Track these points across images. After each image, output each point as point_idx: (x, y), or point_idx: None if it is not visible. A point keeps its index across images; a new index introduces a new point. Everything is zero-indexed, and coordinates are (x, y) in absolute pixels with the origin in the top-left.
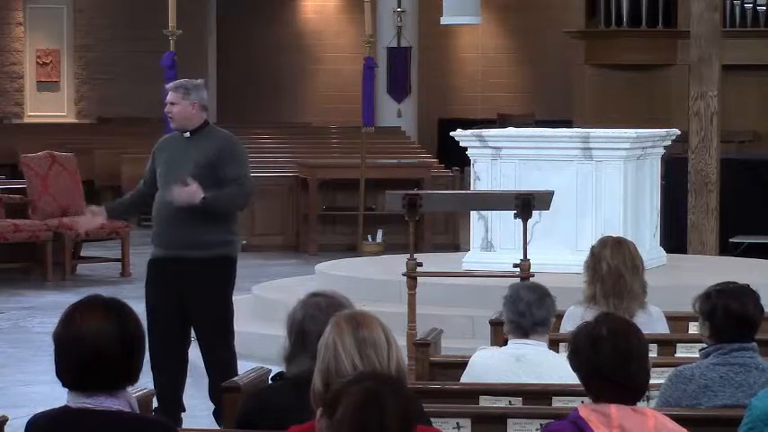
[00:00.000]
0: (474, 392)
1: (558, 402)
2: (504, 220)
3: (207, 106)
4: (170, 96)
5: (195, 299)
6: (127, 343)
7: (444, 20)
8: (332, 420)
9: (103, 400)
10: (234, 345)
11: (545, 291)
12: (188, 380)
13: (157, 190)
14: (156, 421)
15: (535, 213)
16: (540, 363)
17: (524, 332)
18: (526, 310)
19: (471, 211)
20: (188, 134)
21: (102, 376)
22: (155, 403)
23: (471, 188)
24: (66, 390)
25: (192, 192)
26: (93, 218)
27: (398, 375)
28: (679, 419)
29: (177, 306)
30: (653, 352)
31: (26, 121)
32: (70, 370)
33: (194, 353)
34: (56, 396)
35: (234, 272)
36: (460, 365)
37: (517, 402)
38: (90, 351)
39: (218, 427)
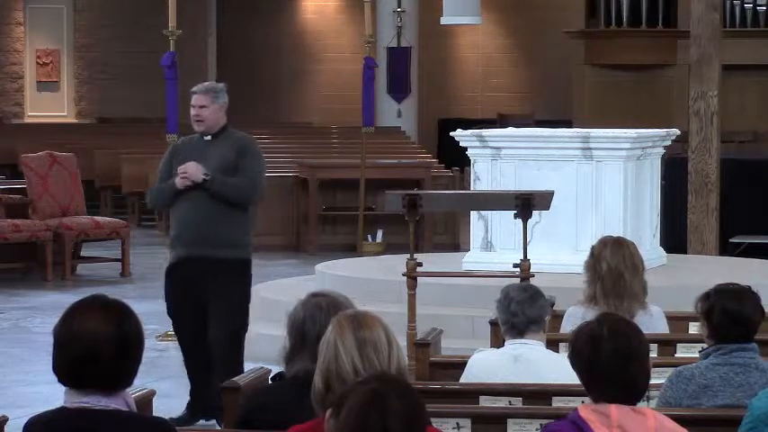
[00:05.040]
0: (474, 392)
1: (558, 402)
2: (504, 220)
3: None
4: (199, 99)
5: (216, 299)
6: (122, 345)
7: (444, 20)
8: (336, 421)
9: (100, 399)
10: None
11: (536, 289)
12: None
13: None
14: (154, 421)
15: (535, 213)
16: (538, 362)
17: (519, 331)
18: (518, 309)
19: (471, 211)
20: (209, 137)
21: (96, 376)
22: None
23: (471, 188)
24: (65, 389)
25: (194, 168)
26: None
27: (399, 376)
28: (679, 419)
29: (201, 305)
30: (653, 352)
31: (26, 121)
32: (65, 366)
33: None
34: (56, 396)
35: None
36: (460, 365)
37: (517, 402)
38: (84, 350)
39: (218, 428)
